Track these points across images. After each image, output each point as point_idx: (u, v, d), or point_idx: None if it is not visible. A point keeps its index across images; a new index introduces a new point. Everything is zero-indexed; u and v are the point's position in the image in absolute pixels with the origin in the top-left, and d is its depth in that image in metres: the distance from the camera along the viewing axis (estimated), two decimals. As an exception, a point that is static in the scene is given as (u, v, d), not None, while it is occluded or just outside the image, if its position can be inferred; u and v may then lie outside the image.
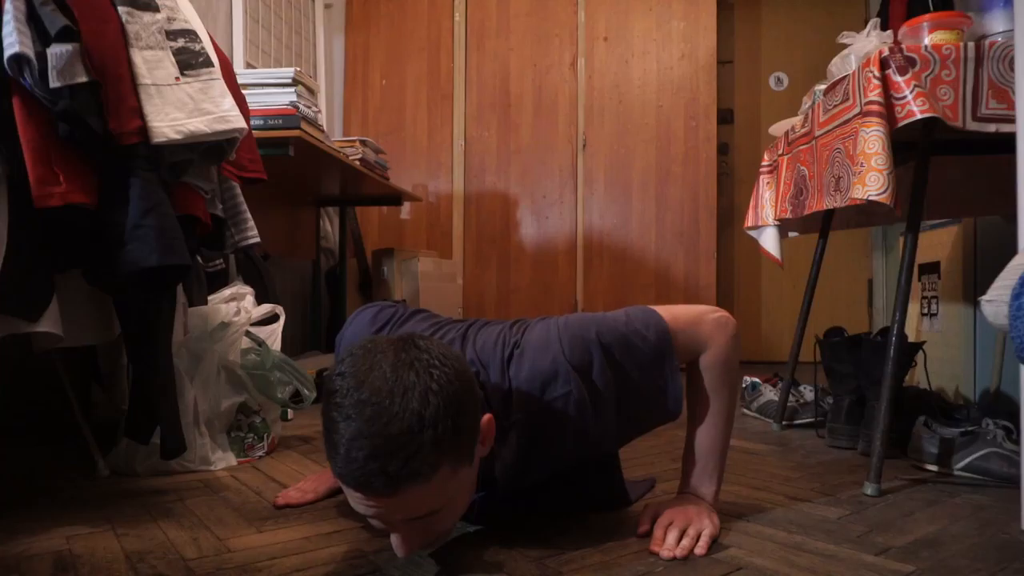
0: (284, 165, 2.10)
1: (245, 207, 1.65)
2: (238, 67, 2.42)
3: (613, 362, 0.99)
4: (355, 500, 0.81)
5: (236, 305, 1.60)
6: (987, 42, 1.28)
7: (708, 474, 1.10)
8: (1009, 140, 1.14)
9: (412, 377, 0.78)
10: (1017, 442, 1.35)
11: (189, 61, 1.22)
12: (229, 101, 1.23)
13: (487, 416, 0.89)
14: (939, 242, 2.20)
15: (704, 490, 1.10)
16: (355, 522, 1.12)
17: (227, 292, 1.66)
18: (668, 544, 0.98)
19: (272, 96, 2.02)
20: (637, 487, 1.26)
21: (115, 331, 1.36)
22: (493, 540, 1.03)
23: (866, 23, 1.63)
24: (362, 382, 0.78)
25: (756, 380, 2.18)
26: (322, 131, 2.22)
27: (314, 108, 2.18)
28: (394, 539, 0.85)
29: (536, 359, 0.98)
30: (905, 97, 1.25)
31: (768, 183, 1.97)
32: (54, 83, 1.01)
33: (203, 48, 1.25)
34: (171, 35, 1.22)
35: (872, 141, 1.25)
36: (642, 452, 1.62)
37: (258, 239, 1.67)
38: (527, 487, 1.08)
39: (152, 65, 1.17)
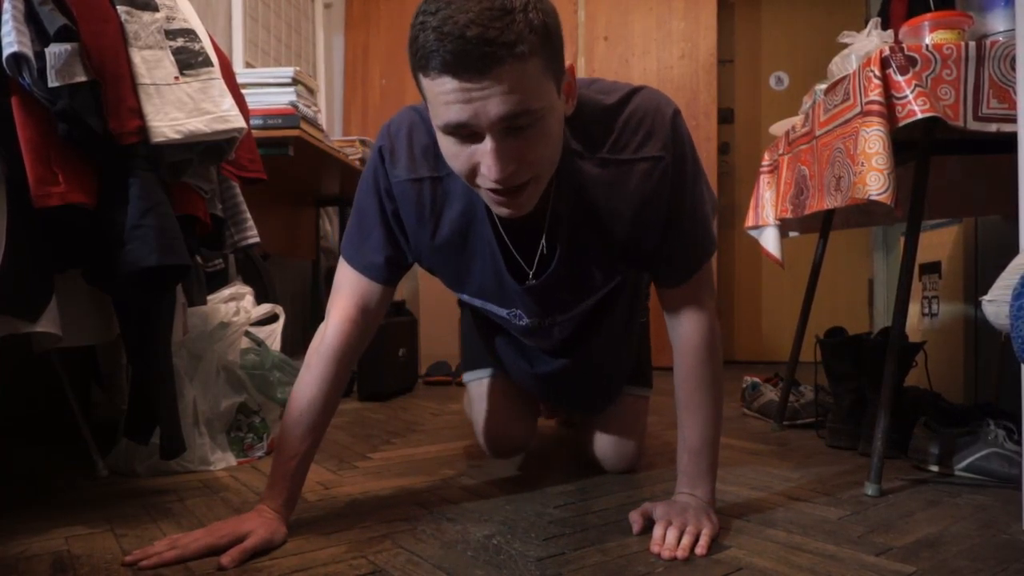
0: (284, 165, 2.10)
1: (245, 207, 1.65)
2: (237, 67, 2.42)
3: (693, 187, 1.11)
4: (446, 94, 0.78)
5: (236, 305, 1.60)
6: (988, 41, 1.28)
7: (704, 471, 1.10)
8: (1010, 140, 1.14)
9: None
10: (1018, 442, 1.35)
11: (188, 61, 1.22)
12: (228, 101, 1.23)
13: (571, 63, 0.89)
14: (939, 242, 2.20)
15: (701, 489, 1.10)
16: (355, 522, 1.11)
17: (227, 292, 1.66)
18: (668, 544, 0.98)
19: (272, 96, 2.02)
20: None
21: (115, 331, 1.36)
22: (493, 540, 1.03)
23: (866, 23, 1.63)
24: None
25: (756, 380, 2.17)
26: (322, 131, 2.22)
27: (314, 108, 2.17)
28: (486, 159, 0.82)
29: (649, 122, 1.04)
30: (906, 97, 1.25)
31: (768, 183, 1.97)
32: (53, 82, 1.01)
33: (202, 48, 1.25)
34: (170, 34, 1.22)
35: (873, 141, 1.25)
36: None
37: (258, 239, 1.67)
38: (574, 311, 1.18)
39: (151, 65, 1.17)
